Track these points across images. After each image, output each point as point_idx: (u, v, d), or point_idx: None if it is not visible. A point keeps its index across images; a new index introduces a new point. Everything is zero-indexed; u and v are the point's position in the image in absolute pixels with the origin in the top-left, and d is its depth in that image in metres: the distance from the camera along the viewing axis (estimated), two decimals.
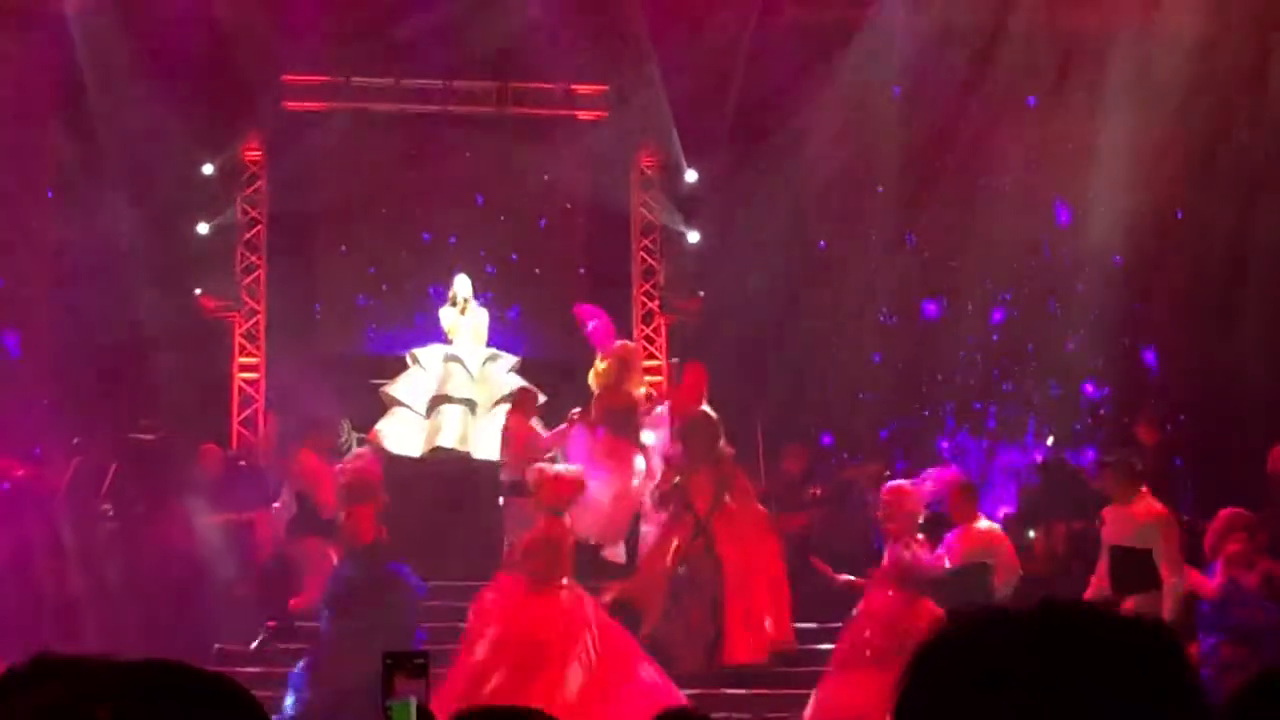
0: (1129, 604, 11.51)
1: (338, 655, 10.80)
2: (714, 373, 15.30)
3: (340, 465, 12.90)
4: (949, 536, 12.02)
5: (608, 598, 11.97)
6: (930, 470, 12.88)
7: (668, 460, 13.39)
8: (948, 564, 11.54)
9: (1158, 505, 11.68)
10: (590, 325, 14.97)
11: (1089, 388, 17.92)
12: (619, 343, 14.64)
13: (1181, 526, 11.84)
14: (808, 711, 11.12)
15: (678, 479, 12.81)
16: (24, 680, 1.34)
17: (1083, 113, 17.15)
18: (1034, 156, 17.46)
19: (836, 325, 17.58)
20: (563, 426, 14.19)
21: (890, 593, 11.24)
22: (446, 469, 15.21)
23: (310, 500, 13.56)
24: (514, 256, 18.68)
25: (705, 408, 13.29)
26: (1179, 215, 17.23)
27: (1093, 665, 1.57)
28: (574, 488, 11.79)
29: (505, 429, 14.41)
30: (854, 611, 11.45)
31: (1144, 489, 11.76)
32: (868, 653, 10.92)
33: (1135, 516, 11.67)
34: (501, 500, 14.22)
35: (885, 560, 11.52)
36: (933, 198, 17.49)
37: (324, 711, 10.79)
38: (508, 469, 14.03)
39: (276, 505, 14.31)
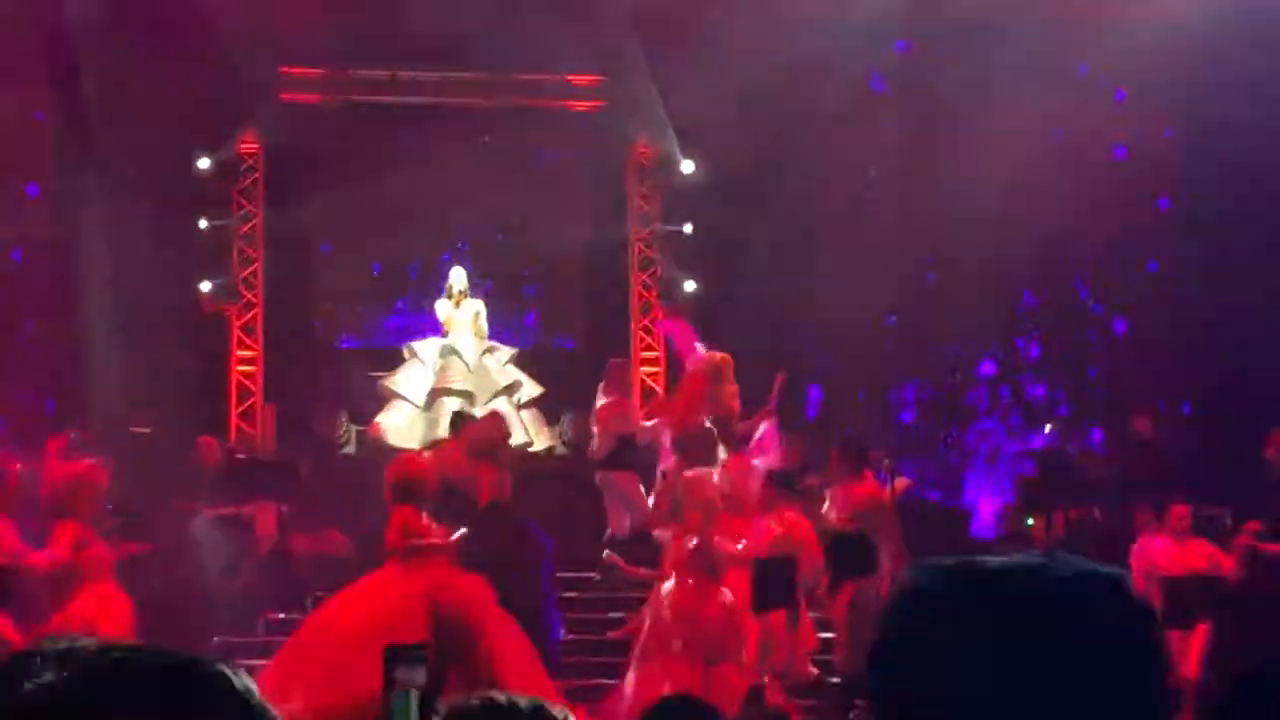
0: (848, 588, 11.55)
1: None
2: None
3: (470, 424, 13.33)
4: (836, 492, 12.11)
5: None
6: (762, 430, 13.03)
7: (664, 474, 13.20)
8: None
9: (877, 487, 11.73)
10: (673, 338, 14.64)
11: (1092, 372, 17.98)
12: (708, 352, 14.13)
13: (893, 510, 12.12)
14: (622, 704, 10.98)
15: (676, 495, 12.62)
16: (25, 665, 1.34)
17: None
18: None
19: (837, 309, 17.56)
20: (655, 421, 14.07)
21: (689, 582, 11.31)
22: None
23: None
24: (510, 247, 18.68)
25: (706, 421, 13.21)
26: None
27: (1058, 613, 1.60)
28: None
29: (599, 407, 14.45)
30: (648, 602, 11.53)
31: (867, 472, 11.81)
32: (674, 643, 10.97)
33: (856, 498, 11.70)
34: (599, 478, 14.24)
35: (680, 550, 11.58)
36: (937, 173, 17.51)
37: None
38: (604, 443, 14.07)
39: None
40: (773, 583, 11.56)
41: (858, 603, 11.55)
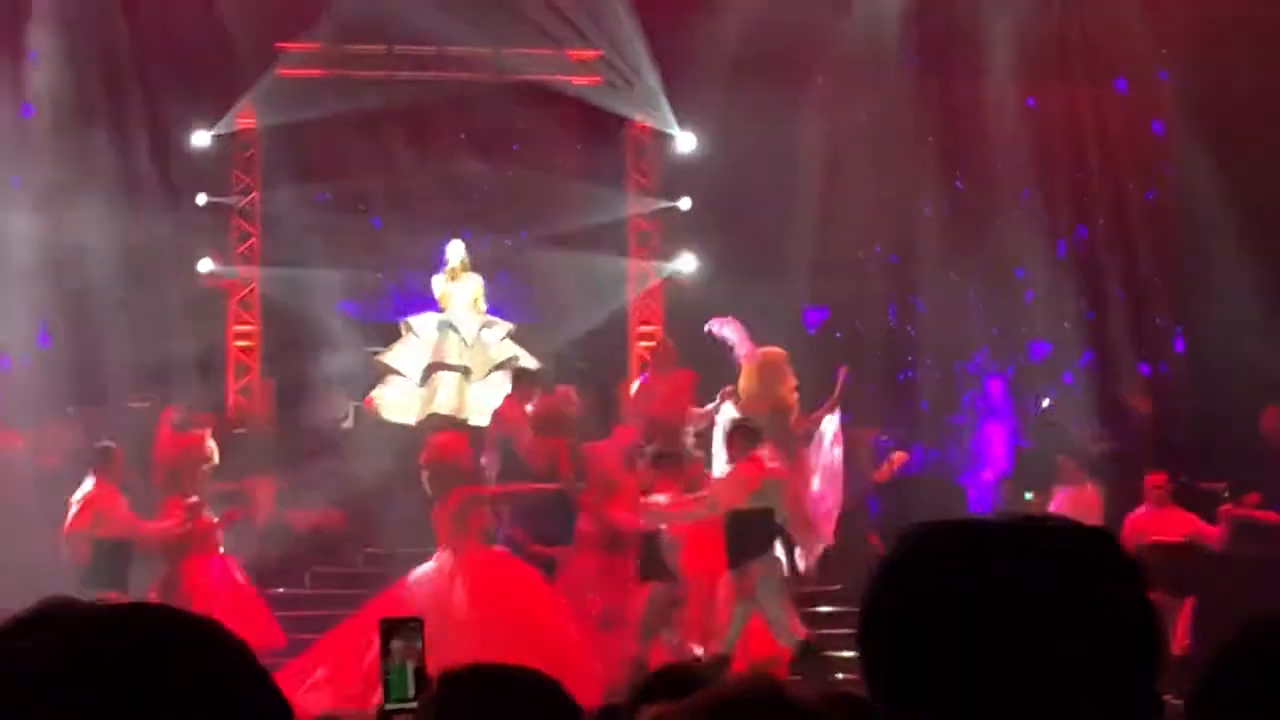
0: (755, 570, 11.56)
1: None
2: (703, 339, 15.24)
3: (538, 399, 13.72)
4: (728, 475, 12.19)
5: None
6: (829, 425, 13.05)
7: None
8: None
9: (777, 466, 11.79)
10: (726, 336, 14.38)
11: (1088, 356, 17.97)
12: (762, 349, 13.95)
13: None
14: None
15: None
16: (27, 626, 1.36)
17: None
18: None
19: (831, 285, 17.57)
20: (714, 404, 13.96)
21: (592, 557, 11.40)
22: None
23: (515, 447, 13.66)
24: (507, 221, 18.65)
25: (687, 430, 13.14)
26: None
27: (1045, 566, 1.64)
28: None
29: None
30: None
31: (756, 452, 11.83)
32: (593, 615, 11.14)
33: (747, 479, 11.71)
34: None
35: (582, 525, 11.67)
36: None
37: None
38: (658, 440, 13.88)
39: (484, 461, 13.81)
40: (751, 534, 11.65)
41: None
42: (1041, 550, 1.65)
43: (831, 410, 13.45)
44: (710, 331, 14.42)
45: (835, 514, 13.06)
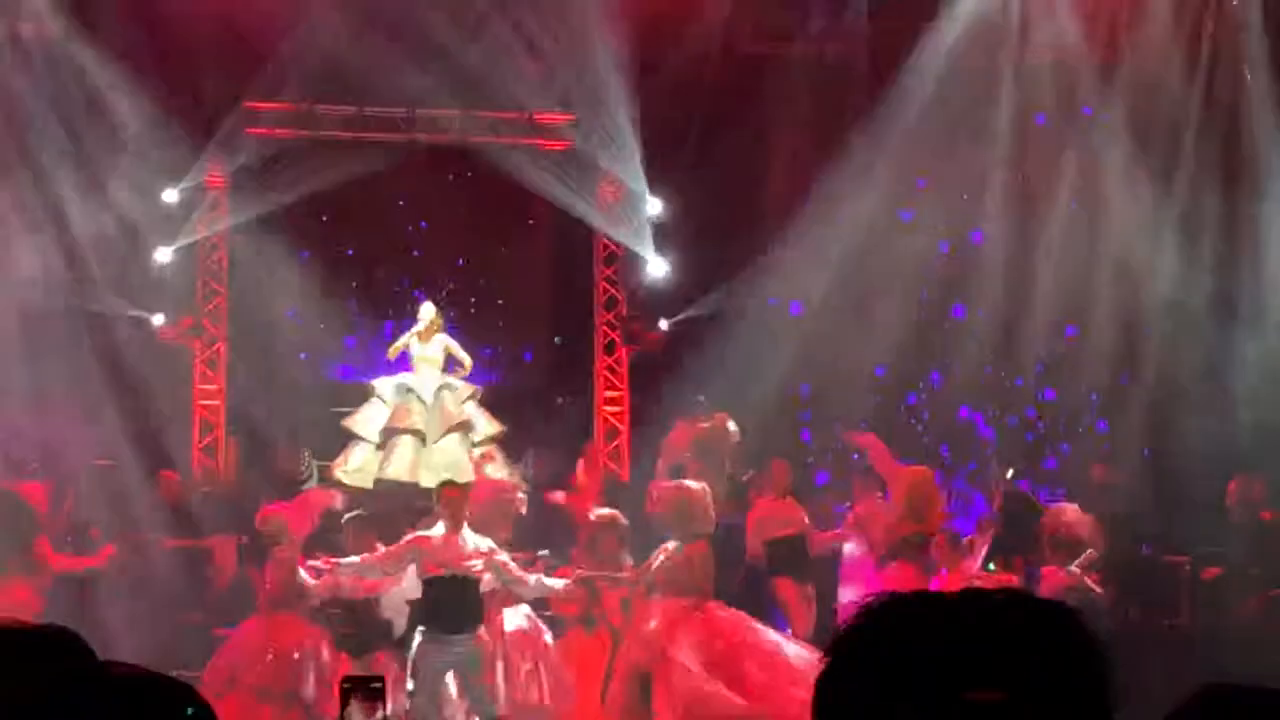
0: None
1: None
2: (679, 403, 15.29)
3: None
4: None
5: None
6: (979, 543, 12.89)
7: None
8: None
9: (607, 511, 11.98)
10: (869, 453, 13.87)
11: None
12: (909, 469, 13.23)
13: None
14: None
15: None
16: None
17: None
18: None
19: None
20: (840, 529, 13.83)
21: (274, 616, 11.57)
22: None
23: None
24: (475, 284, 18.68)
25: (606, 512, 12.89)
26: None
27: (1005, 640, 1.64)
28: None
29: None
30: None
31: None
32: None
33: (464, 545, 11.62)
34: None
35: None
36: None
37: None
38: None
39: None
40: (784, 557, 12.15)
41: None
42: (998, 628, 1.65)
43: (988, 529, 12.99)
44: (846, 440, 14.25)
45: None
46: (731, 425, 14.47)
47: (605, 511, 12.60)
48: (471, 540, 11.34)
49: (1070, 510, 12.94)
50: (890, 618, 1.68)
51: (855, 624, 1.70)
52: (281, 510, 12.59)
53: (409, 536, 11.60)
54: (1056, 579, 12.08)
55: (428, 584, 11.35)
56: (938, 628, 1.64)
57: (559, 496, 14.49)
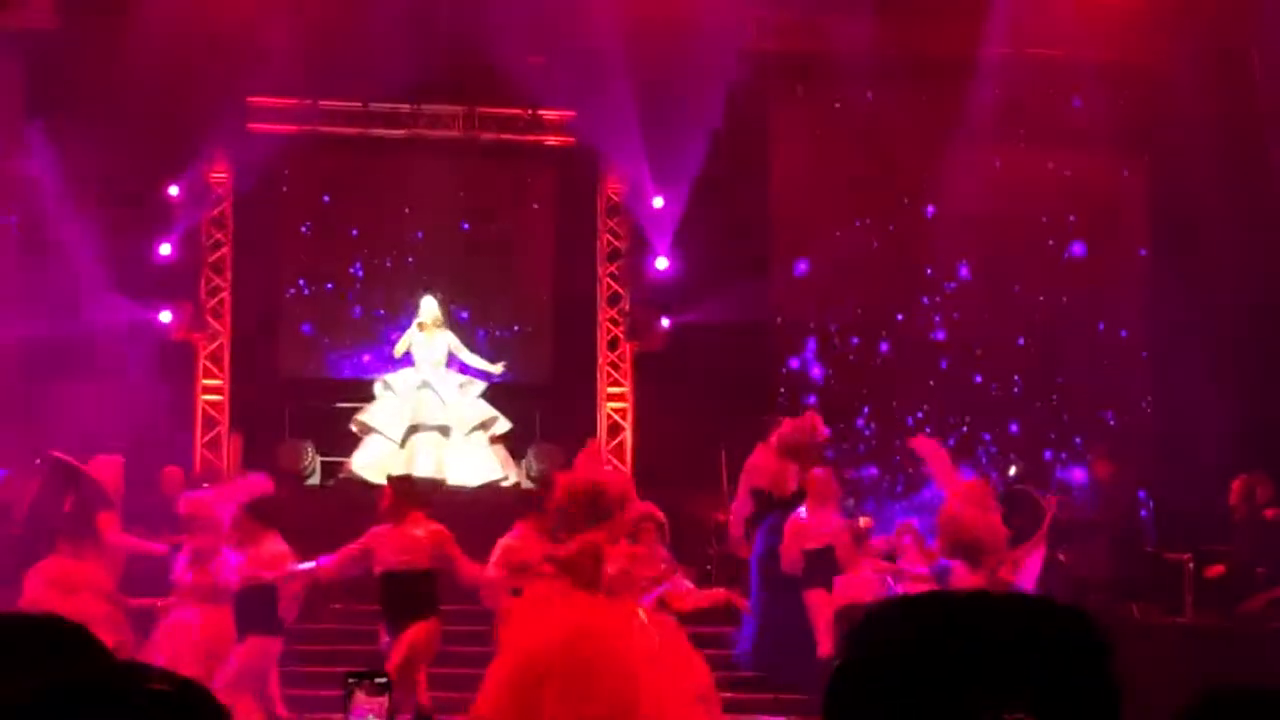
0: (414, 630, 11.21)
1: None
2: (679, 400, 15.28)
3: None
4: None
5: None
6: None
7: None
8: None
9: (435, 525, 11.52)
10: (929, 460, 13.40)
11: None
12: (966, 482, 12.74)
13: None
14: None
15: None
16: None
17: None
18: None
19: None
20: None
21: (195, 609, 11.32)
22: None
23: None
24: (479, 280, 18.66)
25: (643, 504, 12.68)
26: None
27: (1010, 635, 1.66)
28: None
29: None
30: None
31: (415, 514, 11.46)
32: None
33: (411, 538, 11.43)
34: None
35: (183, 577, 11.50)
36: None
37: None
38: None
39: (733, 509, 13.81)
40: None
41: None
42: (1007, 627, 1.66)
43: (1038, 547, 12.87)
44: (911, 448, 14.02)
45: None
46: (820, 424, 13.98)
47: (642, 504, 12.48)
48: (423, 531, 11.31)
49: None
50: (902, 619, 1.69)
51: (867, 624, 1.71)
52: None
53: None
54: None
55: (381, 579, 11.30)
56: (949, 629, 1.65)
57: None
